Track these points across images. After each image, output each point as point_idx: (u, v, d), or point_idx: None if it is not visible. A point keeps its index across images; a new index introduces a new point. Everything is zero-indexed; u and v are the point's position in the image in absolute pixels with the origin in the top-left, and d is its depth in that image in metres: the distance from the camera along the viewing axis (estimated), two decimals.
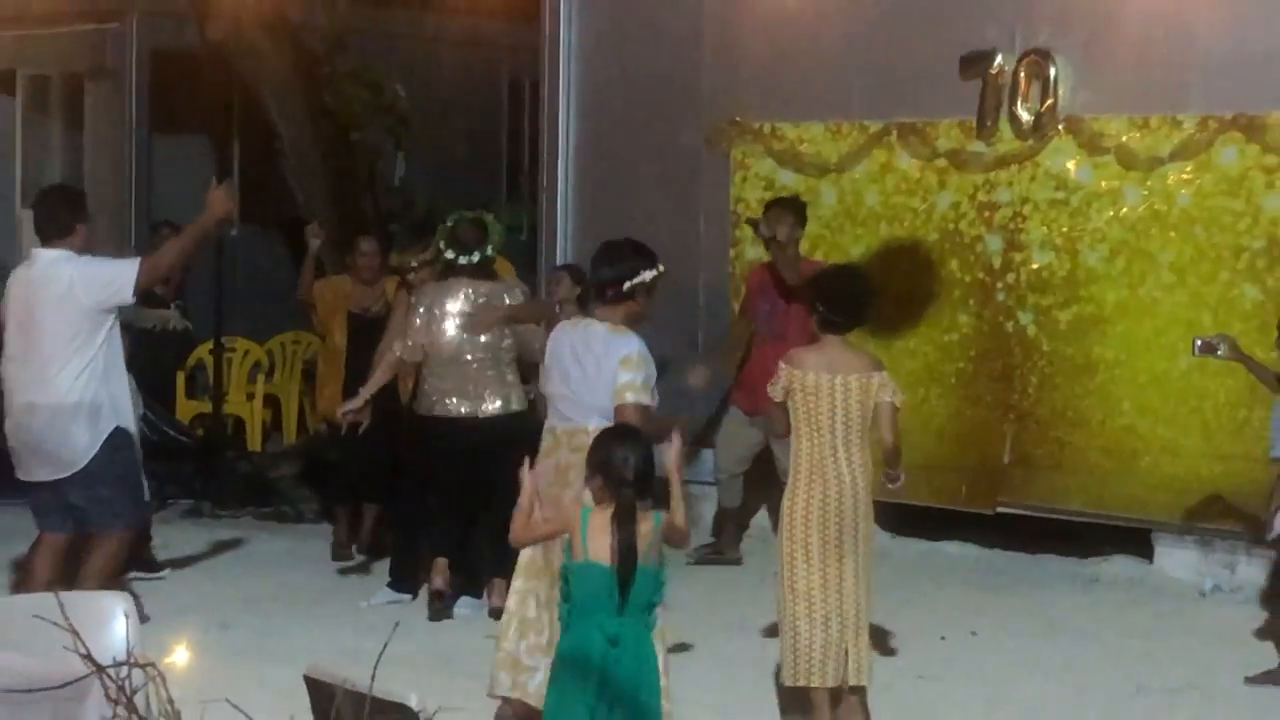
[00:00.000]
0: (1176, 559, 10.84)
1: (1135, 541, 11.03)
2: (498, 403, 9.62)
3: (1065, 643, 9.49)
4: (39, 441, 8.45)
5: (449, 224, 9.79)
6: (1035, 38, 11.16)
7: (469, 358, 9.61)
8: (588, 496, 6.14)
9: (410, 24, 17.86)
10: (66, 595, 4.28)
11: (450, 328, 9.61)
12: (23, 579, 8.78)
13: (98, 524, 8.48)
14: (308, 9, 15.47)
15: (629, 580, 5.82)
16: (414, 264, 10.55)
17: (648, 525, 5.92)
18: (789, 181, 12.16)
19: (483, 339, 9.61)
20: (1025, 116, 11.17)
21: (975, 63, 11.26)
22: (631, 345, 7.37)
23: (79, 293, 8.34)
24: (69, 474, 8.41)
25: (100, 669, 4.02)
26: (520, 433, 9.51)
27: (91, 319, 8.35)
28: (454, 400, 9.62)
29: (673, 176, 12.56)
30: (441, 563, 9.71)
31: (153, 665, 4.18)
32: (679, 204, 12.44)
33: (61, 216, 8.53)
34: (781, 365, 7.61)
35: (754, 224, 11.16)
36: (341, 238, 12.40)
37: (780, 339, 10.67)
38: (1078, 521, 11.07)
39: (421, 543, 9.91)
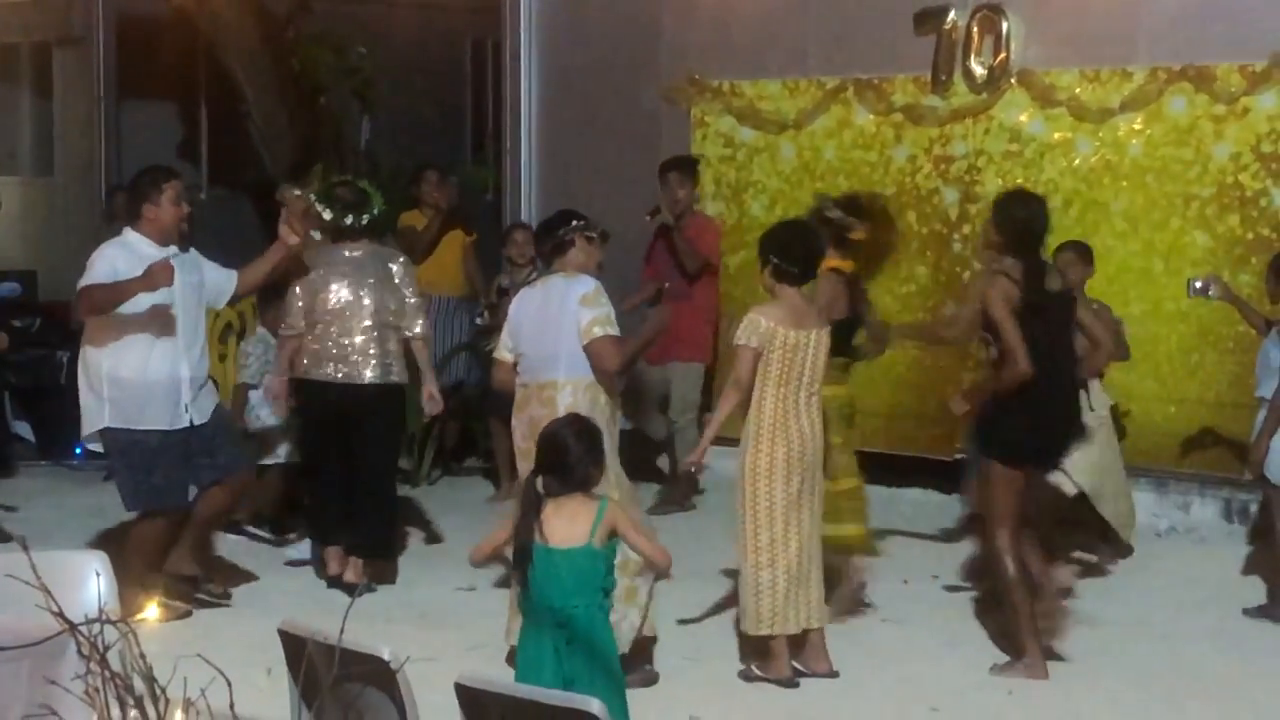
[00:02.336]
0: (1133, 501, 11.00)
1: None
2: (377, 372, 9.24)
3: None
4: None
5: (328, 186, 9.60)
6: None
7: (353, 323, 9.23)
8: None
9: None
10: (40, 555, 4.33)
11: (335, 291, 9.25)
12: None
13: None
14: None
15: (524, 561, 5.99)
16: (296, 193, 10.47)
17: (588, 512, 6.06)
18: (748, 138, 12.32)
19: (368, 304, 9.24)
20: (979, 71, 11.31)
21: (929, 18, 11.38)
22: (587, 284, 7.63)
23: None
24: None
25: (73, 626, 4.02)
26: (396, 406, 9.51)
27: None
28: (333, 366, 9.23)
29: (633, 135, 12.66)
30: (334, 550, 9.50)
31: (125, 622, 4.17)
32: (640, 162, 12.45)
33: (135, 200, 8.73)
34: (760, 319, 7.56)
35: (655, 214, 11.43)
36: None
37: (686, 299, 11.13)
38: None
39: (328, 497, 9.59)
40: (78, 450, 12.28)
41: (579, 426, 6.27)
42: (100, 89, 17.15)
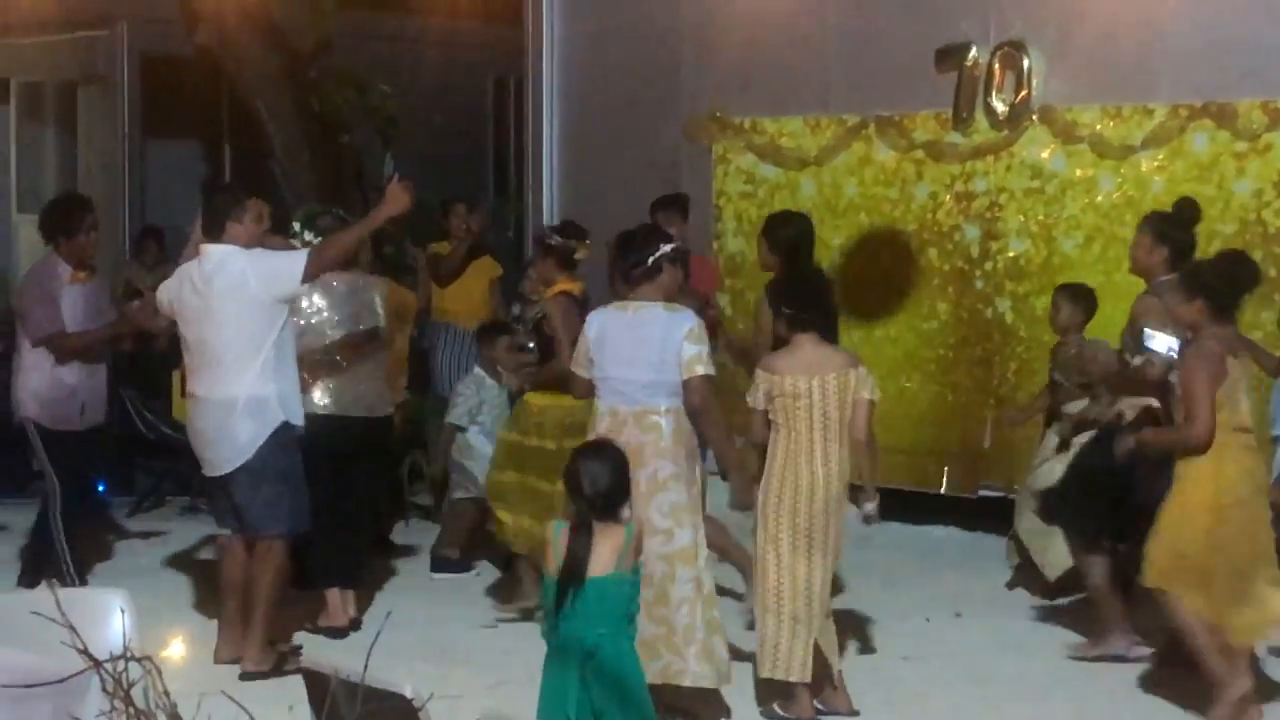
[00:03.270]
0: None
1: None
2: (363, 406, 9.21)
3: (1047, 621, 9.60)
4: (208, 434, 8.45)
5: (309, 214, 9.56)
6: (1009, 30, 11.30)
7: (336, 356, 9.15)
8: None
9: (395, 25, 17.94)
10: (65, 591, 4.34)
11: (316, 322, 9.14)
12: (221, 587, 8.76)
13: (259, 524, 8.44)
14: (293, 12, 15.56)
15: (568, 590, 5.99)
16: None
17: (617, 539, 6.07)
18: (769, 175, 12.35)
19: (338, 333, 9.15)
20: (1000, 107, 11.32)
21: (950, 55, 11.38)
22: (689, 320, 7.63)
23: (253, 285, 8.30)
24: (234, 468, 8.39)
25: (97, 663, 4.04)
26: (384, 439, 9.51)
27: (265, 312, 8.32)
28: (319, 397, 9.10)
29: (655, 171, 12.64)
30: (334, 594, 9.29)
31: (149, 659, 4.16)
32: None
33: (218, 216, 8.52)
34: (759, 372, 7.70)
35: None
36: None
37: None
38: None
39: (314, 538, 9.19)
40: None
41: (612, 456, 6.30)
42: (124, 127, 17.25)
